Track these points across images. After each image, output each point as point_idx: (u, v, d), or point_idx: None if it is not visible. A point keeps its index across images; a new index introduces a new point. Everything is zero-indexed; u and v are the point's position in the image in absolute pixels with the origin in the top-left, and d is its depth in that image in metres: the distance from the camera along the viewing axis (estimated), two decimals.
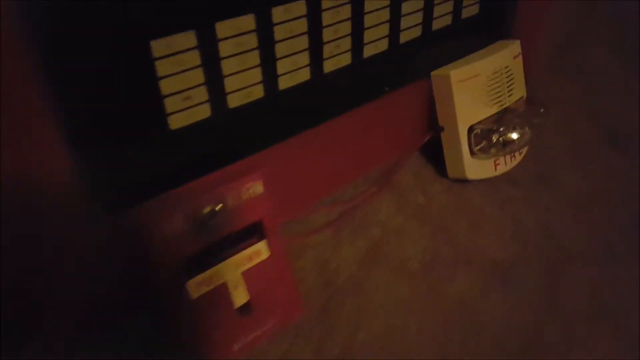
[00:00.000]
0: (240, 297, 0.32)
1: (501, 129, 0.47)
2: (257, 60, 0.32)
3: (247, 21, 0.30)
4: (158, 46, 0.27)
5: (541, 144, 0.55)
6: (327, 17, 0.34)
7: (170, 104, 0.29)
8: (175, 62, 0.28)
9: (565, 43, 0.71)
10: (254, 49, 0.31)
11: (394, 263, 0.42)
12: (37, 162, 0.26)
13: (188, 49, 0.28)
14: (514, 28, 0.51)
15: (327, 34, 0.35)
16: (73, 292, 0.31)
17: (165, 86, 0.28)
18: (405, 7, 0.39)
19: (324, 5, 0.34)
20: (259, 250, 0.32)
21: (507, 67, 0.47)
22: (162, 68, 0.28)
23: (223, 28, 0.29)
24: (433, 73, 0.45)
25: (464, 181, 0.49)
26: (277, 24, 0.32)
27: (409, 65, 0.43)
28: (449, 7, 0.43)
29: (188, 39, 0.28)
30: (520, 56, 0.49)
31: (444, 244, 0.45)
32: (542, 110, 0.50)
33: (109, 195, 0.29)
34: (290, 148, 0.37)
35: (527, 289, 0.43)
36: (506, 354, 0.38)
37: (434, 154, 0.50)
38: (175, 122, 0.30)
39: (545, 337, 0.39)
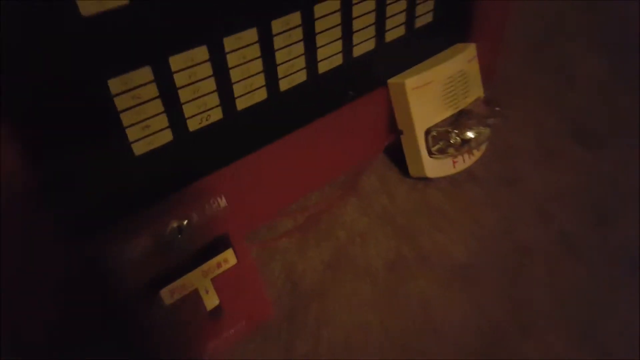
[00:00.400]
0: (211, 301, 0.35)
1: (456, 130, 0.49)
2: (213, 86, 0.35)
3: (201, 52, 0.33)
4: (115, 84, 0.29)
5: (505, 142, 0.58)
6: (278, 41, 0.37)
7: (132, 134, 0.32)
8: (134, 96, 0.31)
9: (543, 40, 0.74)
10: (209, 77, 0.34)
11: (358, 264, 0.45)
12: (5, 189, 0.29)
13: (144, 84, 0.31)
14: (472, 31, 0.53)
15: (279, 56, 0.37)
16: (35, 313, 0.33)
17: (126, 118, 0.31)
18: (356, 24, 0.41)
19: (275, 29, 0.36)
20: (226, 258, 0.35)
21: (461, 71, 0.50)
22: (121, 103, 0.30)
23: (177, 61, 0.32)
24: (389, 81, 0.48)
25: (427, 180, 0.52)
26: (229, 52, 0.34)
27: (366, 76, 0.46)
28: (401, 19, 0.45)
29: (144, 74, 0.31)
30: (476, 59, 0.52)
31: (406, 245, 0.47)
32: (497, 109, 0.52)
33: (77, 220, 0.32)
34: (252, 162, 0.40)
35: (486, 286, 0.45)
36: (465, 352, 0.41)
37: (398, 156, 0.52)
38: (139, 148, 0.33)
39: (504, 333, 0.42)
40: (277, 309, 0.40)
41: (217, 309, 0.36)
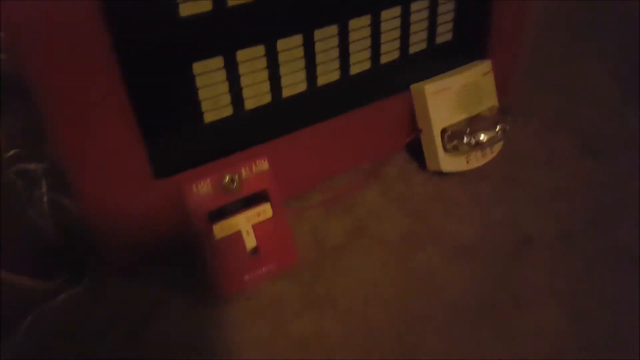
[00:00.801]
0: (250, 242, 0.45)
1: (469, 132, 0.58)
2: (266, 76, 0.46)
3: (259, 50, 0.44)
4: (197, 67, 0.41)
5: (516, 149, 0.65)
6: (318, 46, 0.48)
7: (205, 105, 0.43)
8: (209, 77, 0.42)
9: (560, 55, 0.81)
10: (263, 69, 0.45)
11: (373, 235, 0.54)
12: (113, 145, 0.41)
13: (218, 69, 0.42)
14: (488, 49, 0.62)
15: (318, 58, 0.48)
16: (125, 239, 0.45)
17: (202, 94, 0.43)
18: (383, 37, 0.51)
19: (315, 37, 0.47)
20: (265, 210, 0.45)
21: (476, 82, 0.58)
22: (199, 81, 0.42)
23: (241, 54, 0.43)
24: (412, 86, 0.57)
25: (442, 174, 0.60)
26: (280, 51, 0.45)
27: (391, 81, 0.55)
28: (422, 36, 0.55)
29: (217, 62, 0.42)
30: (491, 73, 0.60)
31: (418, 224, 0.56)
32: (509, 117, 0.60)
33: (162, 165, 0.43)
34: (292, 141, 0.50)
35: (487, 264, 0.52)
36: (459, 314, 0.48)
37: (418, 152, 0.61)
38: (208, 117, 0.44)
39: (498, 303, 0.49)
40: (302, 259, 0.49)
41: (255, 250, 0.45)
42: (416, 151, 0.62)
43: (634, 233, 0.56)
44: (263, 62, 0.45)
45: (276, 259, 0.47)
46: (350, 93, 0.53)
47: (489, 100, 0.61)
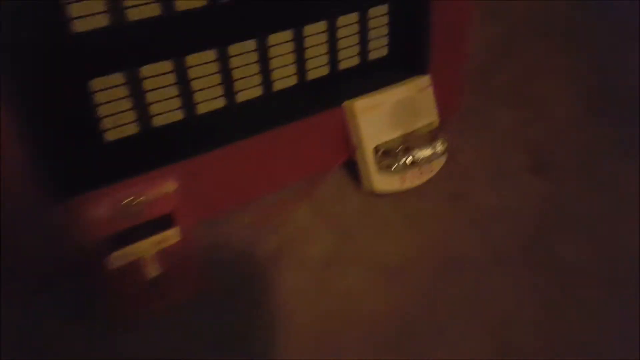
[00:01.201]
0: (153, 269, 0.42)
1: (404, 149, 0.56)
2: (176, 92, 0.43)
3: (167, 65, 0.42)
4: (96, 83, 0.39)
5: (461, 166, 0.63)
6: (236, 61, 0.45)
7: (105, 123, 0.41)
8: (109, 94, 0.40)
9: (528, 69, 0.79)
10: (172, 85, 0.43)
11: (298, 257, 0.51)
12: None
13: (119, 85, 0.40)
14: (428, 65, 0.60)
15: (236, 73, 0.46)
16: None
17: (102, 111, 0.40)
18: (309, 52, 0.49)
19: (231, 52, 0.45)
20: (171, 235, 0.43)
21: (411, 97, 0.56)
22: (98, 98, 0.40)
23: (147, 70, 0.41)
24: (344, 103, 0.55)
25: (379, 195, 0.58)
26: (190, 67, 0.43)
27: (320, 97, 0.53)
28: (354, 51, 0.53)
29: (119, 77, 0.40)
30: (430, 89, 0.59)
31: (346, 245, 0.53)
32: (446, 135, 0.58)
33: (63, 186, 0.41)
34: (207, 160, 0.48)
35: (411, 288, 0.50)
36: (375, 343, 0.45)
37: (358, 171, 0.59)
38: (110, 136, 0.42)
39: (418, 331, 0.47)
40: (217, 284, 0.47)
41: (158, 278, 0.43)
42: (356, 170, 0.60)
43: (572, 256, 0.55)
44: (171, 78, 0.43)
45: (183, 286, 0.45)
46: (275, 110, 0.51)
47: (428, 117, 0.59)
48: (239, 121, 0.49)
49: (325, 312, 0.47)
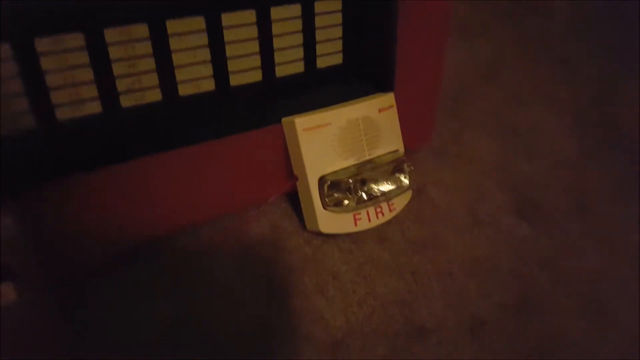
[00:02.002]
0: None
1: (357, 182, 0.44)
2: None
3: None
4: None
5: (432, 204, 0.52)
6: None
7: None
8: None
9: (509, 101, 0.69)
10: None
11: (206, 331, 0.38)
12: None
13: None
14: (395, 80, 0.49)
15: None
16: None
17: None
18: (230, 50, 0.38)
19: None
20: (4, 293, 0.30)
21: (368, 118, 0.45)
22: None
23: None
24: (283, 119, 0.43)
25: (327, 236, 0.46)
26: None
27: (248, 111, 0.41)
28: (296, 54, 0.42)
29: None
30: (393, 109, 0.47)
31: (276, 310, 0.40)
32: (411, 168, 0.47)
33: None
34: (83, 185, 0.35)
35: None
36: None
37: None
38: None
39: None
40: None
41: None
42: (298, 205, 0.48)
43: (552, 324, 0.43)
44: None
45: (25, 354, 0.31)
46: (185, 123, 0.39)
47: (390, 143, 0.47)
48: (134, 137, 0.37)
49: None
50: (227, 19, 0.36)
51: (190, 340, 0.37)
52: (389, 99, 0.47)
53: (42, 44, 0.31)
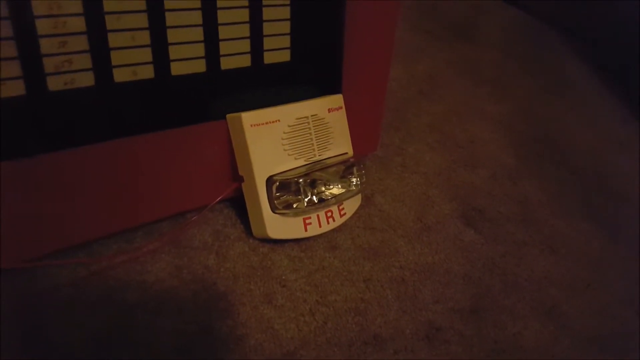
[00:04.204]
0: None
1: (306, 184, 0.42)
2: None
3: None
4: None
5: (380, 211, 0.50)
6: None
7: None
8: None
9: (448, 115, 0.70)
10: None
11: (141, 343, 0.33)
12: None
13: None
14: (344, 82, 0.48)
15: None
16: None
17: None
18: (171, 35, 0.35)
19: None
20: None
21: (317, 116, 0.43)
22: None
23: None
24: (228, 115, 0.40)
25: (274, 243, 0.43)
26: None
27: (189, 103, 0.38)
28: (241, 46, 0.39)
29: None
30: (342, 111, 0.46)
31: (221, 319, 0.36)
32: (362, 171, 0.45)
33: None
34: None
35: None
36: None
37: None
38: None
39: None
40: None
41: None
42: (244, 208, 0.44)
43: (514, 332, 0.43)
44: None
45: None
46: (119, 113, 0.35)
47: (340, 145, 0.46)
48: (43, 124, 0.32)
49: None
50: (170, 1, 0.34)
51: (119, 354, 0.32)
52: (337, 99, 0.46)
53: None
